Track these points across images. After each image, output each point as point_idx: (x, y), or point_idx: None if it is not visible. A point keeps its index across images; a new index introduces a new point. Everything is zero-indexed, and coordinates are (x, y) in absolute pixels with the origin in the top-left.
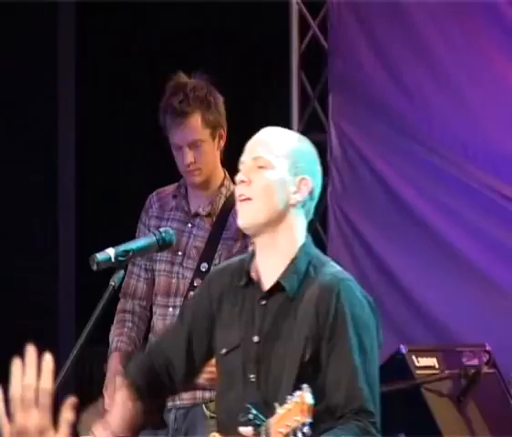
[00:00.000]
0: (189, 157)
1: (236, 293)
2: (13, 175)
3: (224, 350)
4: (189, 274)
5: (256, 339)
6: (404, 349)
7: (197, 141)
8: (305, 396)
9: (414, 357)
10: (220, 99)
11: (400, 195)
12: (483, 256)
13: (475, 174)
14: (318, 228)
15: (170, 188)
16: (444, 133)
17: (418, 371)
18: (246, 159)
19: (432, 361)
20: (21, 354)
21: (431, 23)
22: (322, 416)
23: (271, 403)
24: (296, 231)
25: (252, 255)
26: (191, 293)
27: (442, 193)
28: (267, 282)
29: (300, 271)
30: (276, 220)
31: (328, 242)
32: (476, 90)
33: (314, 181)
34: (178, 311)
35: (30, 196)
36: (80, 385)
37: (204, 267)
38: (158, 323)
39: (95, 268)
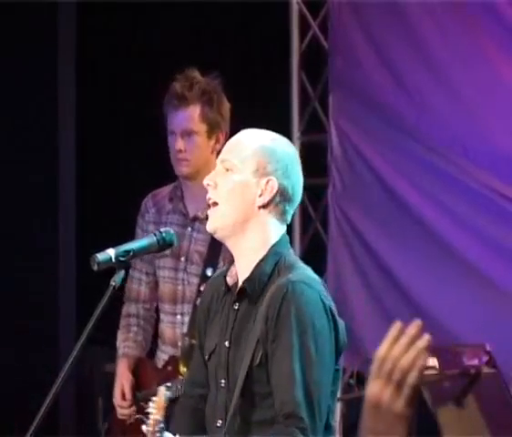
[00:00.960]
0: (180, 144)
1: (219, 299)
2: (13, 175)
3: (206, 357)
4: (194, 280)
5: (227, 343)
6: None
7: (190, 131)
8: (160, 394)
9: None
10: (226, 104)
11: (400, 194)
12: (482, 255)
13: (474, 173)
14: (318, 228)
15: (165, 190)
16: (443, 132)
17: None
18: (217, 161)
19: (432, 361)
20: (21, 354)
21: (431, 23)
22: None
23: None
24: (266, 233)
25: (232, 260)
26: (199, 300)
27: (441, 192)
28: (239, 286)
29: (264, 273)
30: (243, 223)
31: (328, 242)
32: (475, 89)
33: (284, 182)
34: (186, 318)
35: (30, 196)
36: (80, 385)
37: (210, 271)
38: (167, 331)
39: (95, 268)
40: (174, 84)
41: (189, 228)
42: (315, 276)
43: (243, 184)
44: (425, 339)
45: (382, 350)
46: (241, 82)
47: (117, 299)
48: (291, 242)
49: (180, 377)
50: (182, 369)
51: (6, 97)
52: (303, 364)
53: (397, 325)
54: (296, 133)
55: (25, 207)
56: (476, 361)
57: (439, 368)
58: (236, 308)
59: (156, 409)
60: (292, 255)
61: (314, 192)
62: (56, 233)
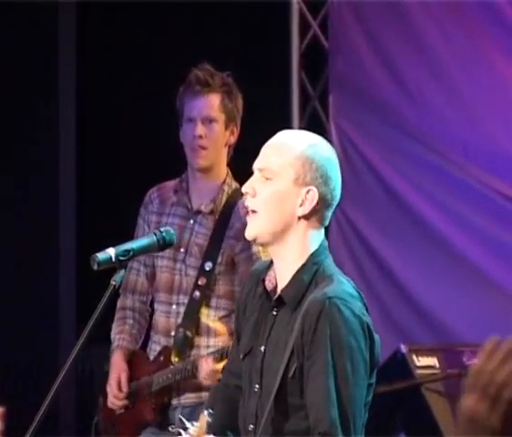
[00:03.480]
0: (201, 129)
1: (255, 300)
2: (13, 175)
3: (241, 355)
4: (191, 272)
5: (262, 349)
6: (404, 348)
7: (211, 118)
8: (202, 419)
9: (414, 356)
10: (241, 100)
11: (400, 194)
12: (483, 255)
13: (474, 173)
14: None
15: (171, 183)
16: (444, 132)
17: (418, 371)
18: (255, 168)
19: (432, 361)
20: (21, 354)
21: (431, 23)
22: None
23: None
24: (306, 241)
25: (271, 262)
26: (196, 293)
27: (442, 192)
28: (278, 293)
29: (302, 283)
30: (283, 232)
31: (328, 241)
32: (475, 89)
33: (324, 190)
34: (182, 309)
35: (30, 196)
36: (80, 385)
37: (208, 266)
38: (161, 320)
39: (95, 267)
40: (194, 72)
41: (192, 221)
42: (353, 290)
43: (283, 193)
44: None
45: (477, 363)
46: (241, 82)
47: (117, 299)
48: None
49: (171, 366)
50: (174, 359)
51: (7, 97)
52: (338, 383)
53: (493, 338)
54: None
55: (25, 207)
56: (475, 361)
57: (439, 368)
58: (274, 314)
59: (196, 434)
60: (332, 264)
61: None
62: (56, 233)
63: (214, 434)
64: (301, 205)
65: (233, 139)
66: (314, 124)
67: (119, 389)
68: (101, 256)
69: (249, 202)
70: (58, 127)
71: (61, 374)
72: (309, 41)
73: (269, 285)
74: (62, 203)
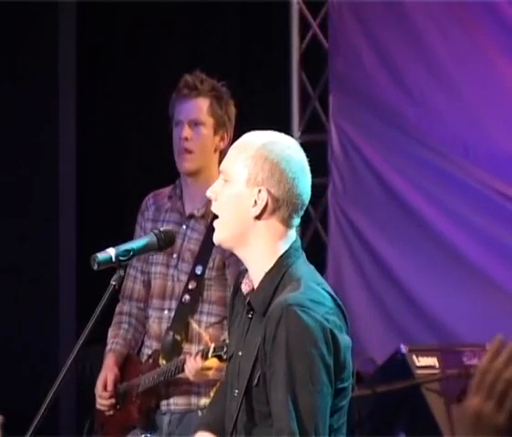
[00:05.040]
0: (187, 132)
1: (240, 302)
2: (13, 175)
3: (227, 358)
4: (183, 277)
5: (240, 353)
6: (404, 348)
7: (199, 121)
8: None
9: (414, 357)
10: (233, 109)
11: (400, 194)
12: (483, 255)
13: (474, 173)
14: (318, 228)
15: (166, 190)
16: (444, 132)
17: (418, 371)
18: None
19: (432, 361)
20: (21, 354)
21: (431, 23)
22: None
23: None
24: (271, 242)
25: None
26: (186, 296)
27: (441, 192)
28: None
29: (269, 287)
30: (242, 235)
31: (328, 241)
32: (475, 89)
33: (276, 190)
34: (173, 314)
35: (30, 196)
36: (80, 385)
37: (199, 270)
38: (154, 326)
39: (95, 267)
40: (185, 77)
41: (184, 226)
42: (320, 295)
43: (237, 195)
44: None
45: (483, 362)
46: (241, 82)
47: (117, 300)
48: None
49: (158, 368)
50: (161, 361)
51: (7, 97)
52: (297, 393)
53: (498, 337)
54: (296, 133)
55: (25, 207)
56: (475, 361)
57: (439, 368)
58: (249, 317)
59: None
60: (303, 265)
61: (314, 192)
62: (56, 233)
63: (215, 432)
64: (253, 206)
65: (223, 145)
66: (314, 124)
67: (105, 389)
68: (101, 256)
69: (213, 206)
70: (58, 127)
71: (61, 374)
72: (309, 41)
73: (245, 288)
74: (62, 203)
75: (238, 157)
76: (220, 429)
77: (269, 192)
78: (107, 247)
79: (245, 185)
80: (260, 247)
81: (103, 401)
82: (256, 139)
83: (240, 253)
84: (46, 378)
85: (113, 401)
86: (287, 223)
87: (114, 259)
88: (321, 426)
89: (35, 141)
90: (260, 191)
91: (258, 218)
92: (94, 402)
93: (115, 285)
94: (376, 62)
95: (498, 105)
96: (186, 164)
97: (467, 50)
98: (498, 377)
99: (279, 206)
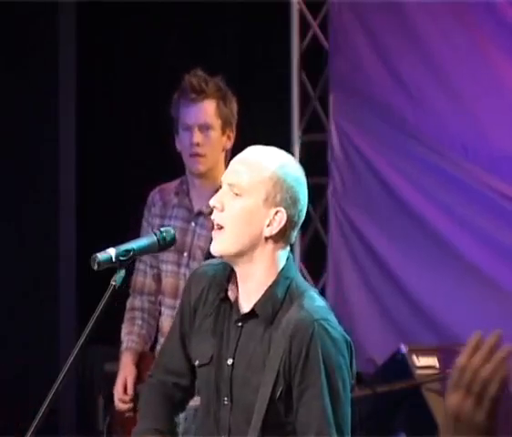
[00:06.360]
0: (198, 137)
1: (211, 304)
2: (13, 174)
3: (197, 363)
4: None
5: (230, 361)
6: (404, 348)
7: (208, 125)
8: None
9: (414, 357)
10: (235, 105)
11: (400, 194)
12: (482, 255)
13: (474, 173)
14: (318, 228)
15: (172, 185)
16: (444, 132)
17: (418, 371)
18: (224, 182)
19: (432, 361)
20: (21, 354)
21: (431, 23)
22: None
23: (243, 429)
24: (273, 260)
25: (232, 271)
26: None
27: (442, 192)
28: (244, 305)
29: (276, 298)
30: (249, 250)
31: (328, 242)
32: (475, 89)
33: (293, 211)
34: None
35: (30, 196)
36: (80, 385)
37: None
38: (167, 325)
39: (96, 267)
40: (188, 79)
41: (193, 223)
42: (325, 304)
43: (251, 211)
44: (506, 349)
45: (461, 360)
46: (242, 82)
47: (117, 299)
48: None
49: None
50: None
51: (7, 97)
52: (333, 403)
53: (476, 335)
54: (296, 133)
55: (25, 207)
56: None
57: (439, 368)
58: (239, 325)
59: None
60: (300, 278)
61: (314, 192)
62: (56, 233)
63: (152, 434)
64: (268, 225)
65: (230, 144)
66: (315, 124)
67: (125, 392)
68: (101, 256)
69: (216, 217)
70: (58, 127)
71: (61, 374)
72: (309, 41)
73: (232, 295)
74: (62, 203)
75: (253, 173)
76: (168, 429)
77: (287, 214)
78: (107, 247)
79: (262, 203)
80: (263, 264)
81: (123, 404)
82: (270, 158)
83: (240, 266)
84: (47, 378)
85: (133, 404)
86: (289, 242)
87: (114, 259)
88: (349, 432)
89: (35, 141)
90: (277, 212)
91: (270, 237)
92: (94, 402)
93: (115, 285)
94: (377, 62)
95: (498, 104)
96: (199, 166)
97: (468, 50)
98: (476, 375)
99: (290, 227)
